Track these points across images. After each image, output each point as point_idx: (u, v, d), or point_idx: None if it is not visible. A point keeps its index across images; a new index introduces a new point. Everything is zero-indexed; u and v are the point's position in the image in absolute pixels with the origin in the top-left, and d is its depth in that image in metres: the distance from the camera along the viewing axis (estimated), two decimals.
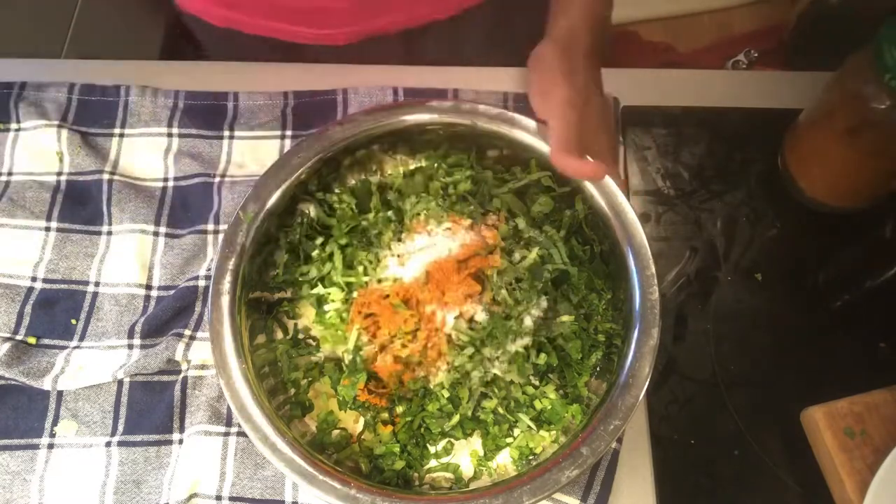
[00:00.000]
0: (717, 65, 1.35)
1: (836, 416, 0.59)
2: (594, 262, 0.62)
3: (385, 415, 0.58)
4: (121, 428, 0.61)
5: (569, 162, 0.56)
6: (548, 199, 0.64)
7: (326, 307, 0.62)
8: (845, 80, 0.63)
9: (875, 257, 0.72)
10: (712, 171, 0.74)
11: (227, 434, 0.60)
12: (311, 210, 0.64)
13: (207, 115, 0.74)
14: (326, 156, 0.62)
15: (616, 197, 0.58)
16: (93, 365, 0.62)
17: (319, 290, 0.62)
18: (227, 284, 0.57)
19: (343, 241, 0.63)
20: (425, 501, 0.52)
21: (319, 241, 0.63)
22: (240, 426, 0.60)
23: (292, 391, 0.60)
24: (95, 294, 0.66)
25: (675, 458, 0.62)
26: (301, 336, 0.62)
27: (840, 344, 0.67)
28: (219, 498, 0.58)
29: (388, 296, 0.60)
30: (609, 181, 0.59)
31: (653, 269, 0.56)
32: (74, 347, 0.64)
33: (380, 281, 0.61)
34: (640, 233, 0.57)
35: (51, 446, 0.60)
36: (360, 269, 0.62)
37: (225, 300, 0.56)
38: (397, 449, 0.57)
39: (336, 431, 0.59)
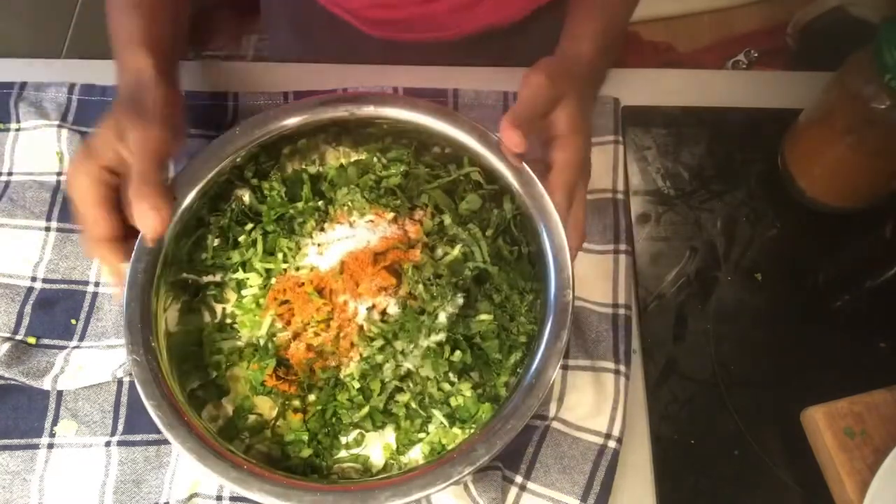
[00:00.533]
0: (718, 65, 1.35)
1: (836, 416, 0.59)
2: (520, 263, 0.62)
3: (297, 402, 0.59)
4: (120, 427, 0.61)
5: (506, 129, 0.55)
6: (475, 197, 0.64)
7: (244, 292, 0.62)
8: (845, 80, 0.63)
9: (875, 257, 0.72)
10: (712, 171, 0.74)
11: None
12: (246, 196, 0.64)
13: (208, 115, 0.74)
14: (265, 141, 0.61)
15: (542, 199, 0.57)
16: (92, 364, 0.62)
17: (240, 274, 0.62)
18: (143, 264, 0.56)
19: (269, 228, 0.63)
20: (300, 487, 0.50)
21: (249, 227, 0.63)
22: None
23: (214, 374, 0.60)
24: (95, 294, 0.66)
25: (675, 458, 0.62)
26: (228, 321, 0.62)
27: (840, 344, 0.67)
28: (219, 498, 0.58)
29: (303, 284, 0.60)
30: (537, 183, 0.57)
31: (570, 272, 0.55)
32: (74, 347, 0.64)
33: (298, 269, 0.61)
34: (560, 235, 0.56)
35: (51, 446, 0.60)
36: (280, 255, 0.62)
37: (140, 279, 0.55)
38: (306, 437, 0.57)
39: (252, 417, 0.59)
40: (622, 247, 0.68)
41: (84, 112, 0.74)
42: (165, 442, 0.60)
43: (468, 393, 0.58)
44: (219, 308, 0.63)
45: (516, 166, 0.58)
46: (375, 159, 0.66)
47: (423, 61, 0.78)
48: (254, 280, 0.62)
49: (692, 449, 0.63)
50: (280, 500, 0.49)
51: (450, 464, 0.50)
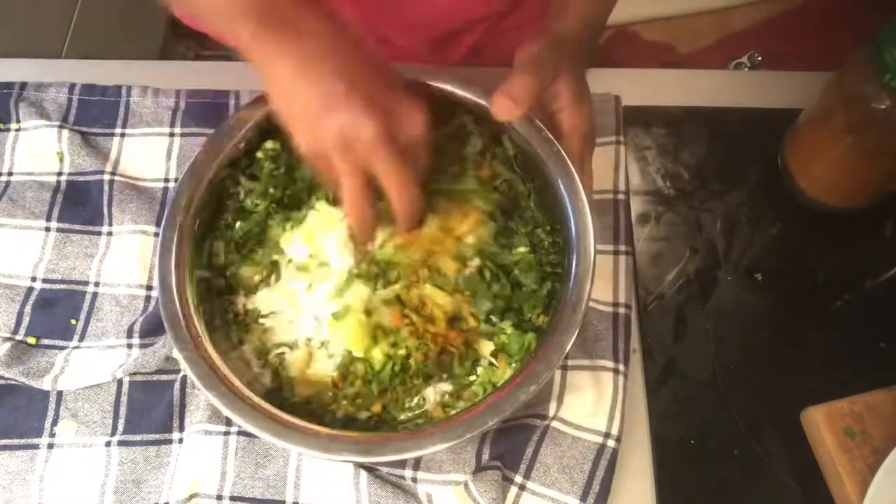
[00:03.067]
0: (719, 65, 1.35)
1: (836, 416, 0.59)
2: (538, 196, 0.63)
3: (360, 366, 0.59)
4: (120, 427, 0.61)
5: (496, 97, 0.55)
6: (476, 139, 0.64)
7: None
8: (845, 80, 0.63)
9: (875, 257, 0.72)
10: (712, 171, 0.74)
11: (227, 433, 0.60)
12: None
13: (209, 115, 0.73)
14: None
15: (541, 132, 0.58)
16: (92, 364, 0.62)
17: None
18: (172, 265, 0.56)
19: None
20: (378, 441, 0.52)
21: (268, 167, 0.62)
22: (239, 426, 0.60)
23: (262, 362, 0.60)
24: (95, 294, 0.66)
25: (675, 458, 0.62)
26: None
27: (840, 344, 0.67)
28: (219, 497, 0.58)
29: None
30: (533, 119, 0.59)
31: (587, 211, 0.56)
32: (74, 348, 0.64)
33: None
34: (567, 164, 0.58)
35: (51, 446, 0.60)
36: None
37: (172, 279, 0.55)
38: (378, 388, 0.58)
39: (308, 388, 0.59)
40: (622, 247, 0.68)
41: (84, 112, 0.74)
42: (165, 442, 0.60)
43: (509, 330, 0.60)
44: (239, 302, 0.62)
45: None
46: None
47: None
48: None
49: (692, 449, 0.63)
50: (362, 457, 0.50)
51: (515, 388, 0.52)
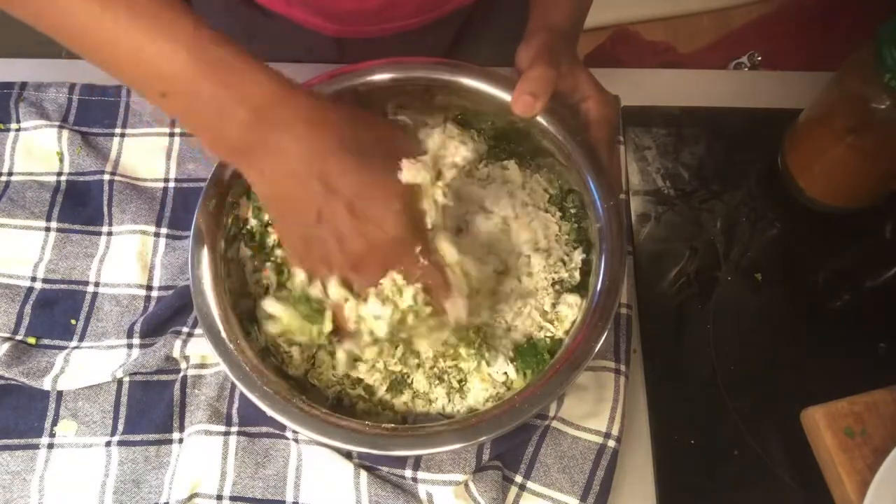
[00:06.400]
0: (719, 65, 1.35)
1: (836, 416, 0.59)
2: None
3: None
4: (120, 427, 0.61)
5: (521, 96, 0.56)
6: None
7: None
8: (845, 80, 0.63)
9: (875, 257, 0.72)
10: (712, 171, 0.74)
11: (227, 433, 0.60)
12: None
13: None
14: None
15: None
16: (92, 365, 0.62)
17: None
18: (206, 278, 0.55)
19: None
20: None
21: None
22: (239, 426, 0.60)
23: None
24: (95, 294, 0.66)
25: (675, 458, 0.62)
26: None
27: (840, 344, 0.67)
28: (220, 497, 0.58)
29: None
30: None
31: (607, 176, 0.58)
32: (74, 348, 0.64)
33: None
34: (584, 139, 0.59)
35: (51, 446, 0.60)
36: None
37: (210, 298, 0.55)
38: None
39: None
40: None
41: (84, 112, 0.74)
42: (165, 442, 0.60)
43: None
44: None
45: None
46: None
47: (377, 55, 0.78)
48: None
49: (692, 449, 0.63)
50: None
51: (584, 340, 0.53)
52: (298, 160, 0.46)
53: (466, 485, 0.58)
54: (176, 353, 0.62)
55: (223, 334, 0.53)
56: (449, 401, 0.59)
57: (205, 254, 0.56)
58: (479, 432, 0.51)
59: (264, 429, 0.60)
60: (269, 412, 0.51)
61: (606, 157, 0.59)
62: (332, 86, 0.61)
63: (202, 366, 0.63)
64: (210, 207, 0.57)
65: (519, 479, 0.60)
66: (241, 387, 0.52)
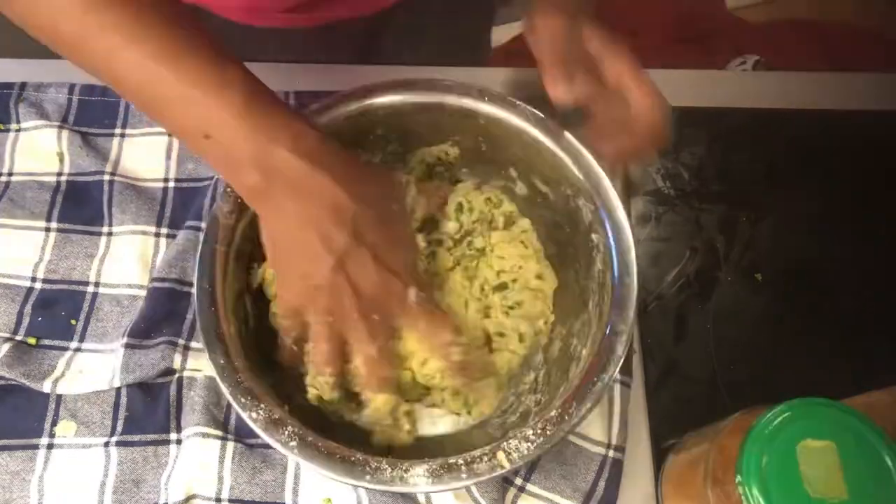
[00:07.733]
0: (719, 65, 1.35)
1: None
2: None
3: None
4: (119, 428, 0.61)
5: (556, 74, 0.55)
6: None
7: None
8: (720, 439, 0.54)
9: (875, 257, 0.72)
10: (712, 171, 0.74)
11: (224, 438, 0.60)
12: None
13: None
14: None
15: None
16: (92, 371, 0.62)
17: None
18: (219, 294, 0.54)
19: None
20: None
21: None
22: (236, 436, 0.60)
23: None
24: (95, 294, 0.66)
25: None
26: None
27: (840, 344, 0.67)
28: (218, 500, 0.58)
29: None
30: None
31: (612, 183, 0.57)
32: (75, 349, 0.64)
33: None
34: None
35: (50, 446, 0.60)
36: None
37: (222, 322, 0.53)
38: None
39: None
40: None
41: (84, 112, 0.73)
42: (164, 443, 0.60)
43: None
44: None
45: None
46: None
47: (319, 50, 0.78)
48: None
49: None
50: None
51: (600, 364, 0.51)
52: (327, 208, 0.48)
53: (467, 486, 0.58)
54: (177, 366, 0.62)
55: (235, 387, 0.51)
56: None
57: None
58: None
59: (261, 440, 0.60)
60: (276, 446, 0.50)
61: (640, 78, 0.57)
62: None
63: (196, 370, 0.63)
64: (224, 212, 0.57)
65: (519, 481, 0.60)
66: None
